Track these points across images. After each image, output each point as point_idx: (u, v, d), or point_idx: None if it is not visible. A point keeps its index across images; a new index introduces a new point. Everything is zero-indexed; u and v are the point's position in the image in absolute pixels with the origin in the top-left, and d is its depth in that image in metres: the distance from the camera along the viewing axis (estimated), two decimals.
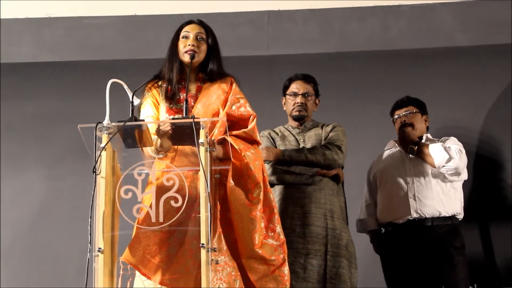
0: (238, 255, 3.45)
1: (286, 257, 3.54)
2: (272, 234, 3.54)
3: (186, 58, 3.60)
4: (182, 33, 3.66)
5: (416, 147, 4.53)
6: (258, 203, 3.44)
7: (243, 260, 3.44)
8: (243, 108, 3.61)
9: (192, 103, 3.59)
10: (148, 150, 3.36)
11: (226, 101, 3.62)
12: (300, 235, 4.24)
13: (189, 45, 3.60)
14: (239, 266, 3.44)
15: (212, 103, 3.60)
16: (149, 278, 3.29)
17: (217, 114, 3.57)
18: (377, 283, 4.71)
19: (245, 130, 3.54)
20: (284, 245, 3.55)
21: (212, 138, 3.37)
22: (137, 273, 3.32)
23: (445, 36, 5.86)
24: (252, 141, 3.57)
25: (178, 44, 3.66)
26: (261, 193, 3.46)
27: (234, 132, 3.51)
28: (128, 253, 3.28)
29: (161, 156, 3.38)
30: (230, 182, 3.40)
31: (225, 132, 3.44)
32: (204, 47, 3.65)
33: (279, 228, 3.57)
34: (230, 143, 3.42)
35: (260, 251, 3.43)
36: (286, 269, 3.52)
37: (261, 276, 3.46)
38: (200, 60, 3.65)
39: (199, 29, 3.66)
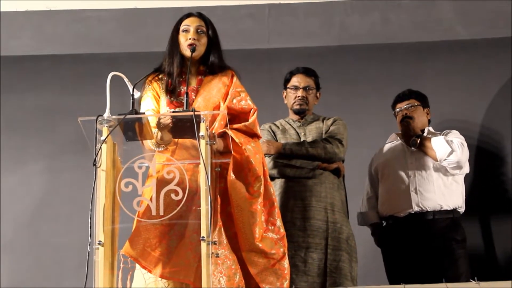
0: (238, 248, 3.44)
1: (286, 251, 3.54)
2: (272, 227, 3.54)
3: (187, 52, 3.59)
4: (182, 27, 3.65)
5: (419, 140, 4.52)
6: (258, 196, 3.44)
7: (243, 254, 3.43)
8: (244, 101, 3.60)
9: (193, 97, 3.58)
10: (149, 143, 3.36)
11: (226, 94, 3.61)
12: (300, 228, 4.24)
13: (189, 38, 3.59)
14: (239, 260, 3.44)
15: (212, 97, 3.59)
16: (149, 271, 3.28)
17: (217, 107, 3.56)
18: (378, 276, 4.71)
19: (246, 123, 3.53)
20: (284, 239, 3.55)
21: (213, 131, 3.37)
22: (138, 266, 3.32)
23: (445, 30, 5.86)
24: (252, 135, 3.56)
25: (179, 38, 3.64)
26: (262, 187, 3.46)
27: (235, 126, 3.51)
28: (129, 246, 3.28)
29: (162, 149, 3.38)
30: (231, 175, 3.40)
31: (226, 126, 3.44)
32: (204, 40, 3.64)
33: (279, 222, 3.56)
34: (231, 137, 3.41)
35: (260, 245, 3.43)
36: (286, 263, 3.52)
37: (261, 269, 3.46)
38: (200, 54, 3.64)
39: (199, 22, 3.65)
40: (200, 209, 3.04)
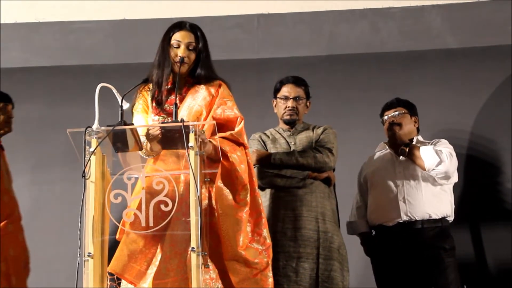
0: (220, 259, 3.41)
1: (270, 262, 3.49)
2: (258, 238, 3.50)
3: (176, 67, 3.53)
4: (173, 41, 3.56)
5: (407, 148, 4.52)
6: (244, 205, 3.42)
7: (225, 262, 3.39)
8: (230, 110, 3.56)
9: (178, 105, 3.56)
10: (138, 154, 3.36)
11: (212, 104, 3.57)
12: (291, 238, 4.23)
13: (179, 56, 3.55)
14: (222, 270, 3.41)
15: (196, 105, 3.54)
16: (135, 285, 3.29)
17: (200, 116, 3.53)
18: (369, 286, 4.71)
19: (232, 132, 3.51)
20: (269, 249, 3.50)
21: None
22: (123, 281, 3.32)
23: (434, 38, 5.88)
24: (239, 144, 3.54)
25: (169, 50, 3.58)
26: (248, 196, 3.44)
27: (221, 134, 3.48)
28: (114, 262, 3.29)
29: None
30: (218, 182, 3.39)
31: (213, 135, 3.42)
32: (193, 56, 3.57)
33: (265, 232, 3.53)
34: (218, 145, 3.39)
35: (243, 253, 3.38)
36: (269, 274, 3.46)
37: (243, 278, 3.40)
38: (189, 69, 3.59)
39: (190, 37, 3.56)
40: (189, 220, 3.03)
